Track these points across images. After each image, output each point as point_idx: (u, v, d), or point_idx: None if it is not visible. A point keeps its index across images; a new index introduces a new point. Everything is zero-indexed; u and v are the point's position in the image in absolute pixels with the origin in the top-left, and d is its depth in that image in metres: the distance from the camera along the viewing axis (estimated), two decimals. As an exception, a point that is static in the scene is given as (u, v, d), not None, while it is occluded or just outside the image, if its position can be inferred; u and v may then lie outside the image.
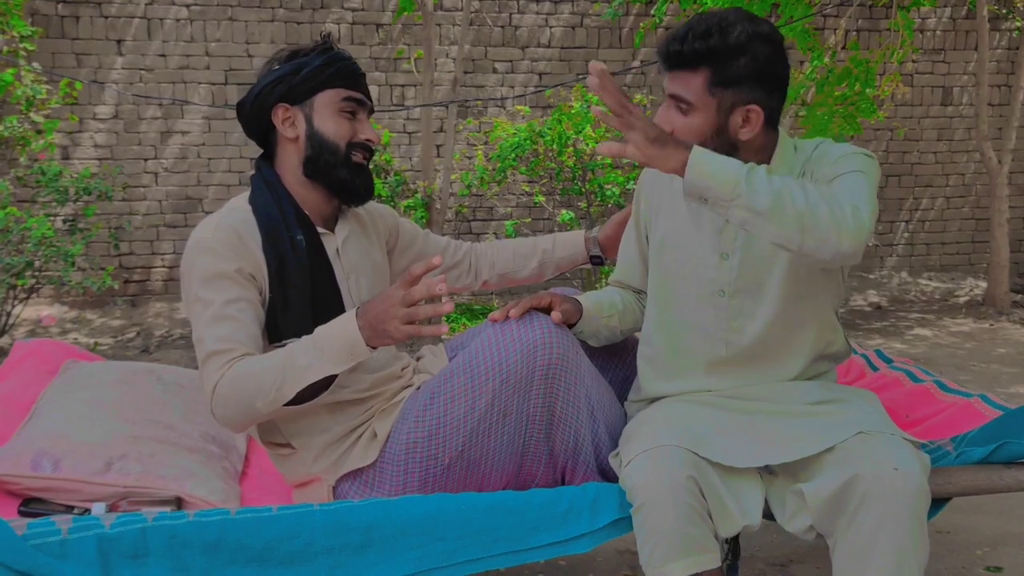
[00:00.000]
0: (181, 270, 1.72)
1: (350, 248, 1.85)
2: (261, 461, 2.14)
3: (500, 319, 1.71)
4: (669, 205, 1.79)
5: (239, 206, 1.76)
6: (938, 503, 1.73)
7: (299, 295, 1.71)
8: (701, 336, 1.76)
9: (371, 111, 1.85)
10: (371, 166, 1.84)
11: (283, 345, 1.66)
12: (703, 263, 1.73)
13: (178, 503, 1.73)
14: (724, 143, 1.60)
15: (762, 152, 1.67)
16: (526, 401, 1.67)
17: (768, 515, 1.63)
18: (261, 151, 1.87)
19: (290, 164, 1.78)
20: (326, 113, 1.76)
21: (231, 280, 1.66)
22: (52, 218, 5.18)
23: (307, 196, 1.79)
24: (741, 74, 1.56)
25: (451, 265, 2.15)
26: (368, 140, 1.80)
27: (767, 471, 1.67)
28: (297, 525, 1.54)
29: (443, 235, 5.09)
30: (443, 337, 2.52)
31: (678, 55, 1.58)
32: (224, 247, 1.67)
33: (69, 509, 1.68)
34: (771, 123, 1.64)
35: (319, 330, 1.60)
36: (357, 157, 1.79)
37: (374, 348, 1.58)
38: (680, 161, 1.43)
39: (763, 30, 1.57)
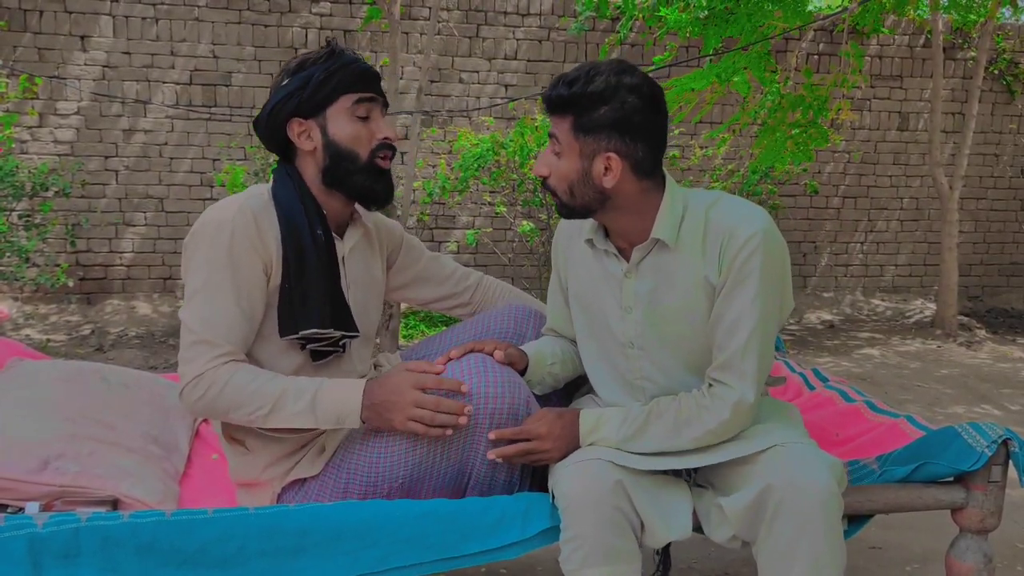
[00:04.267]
0: (190, 242, 1.70)
1: (354, 258, 1.86)
2: (203, 462, 2.15)
3: (442, 363, 1.73)
4: (580, 258, 1.83)
5: (260, 193, 1.76)
6: (861, 519, 1.80)
7: (318, 289, 1.72)
8: (620, 385, 1.81)
9: (386, 106, 1.83)
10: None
11: (299, 337, 1.72)
12: (611, 316, 1.77)
13: (114, 504, 1.73)
14: (591, 190, 1.64)
15: (641, 206, 1.68)
16: (470, 446, 1.69)
17: (699, 528, 1.68)
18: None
19: (309, 173, 1.78)
20: (340, 121, 1.75)
21: (244, 274, 1.67)
22: (7, 213, 5.12)
23: (325, 201, 1.79)
24: (600, 122, 1.60)
25: (449, 294, 2.16)
26: (386, 138, 1.79)
27: (696, 485, 1.73)
28: (231, 528, 1.55)
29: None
30: (400, 344, 2.55)
31: (548, 100, 1.64)
32: (244, 233, 1.67)
33: (3, 508, 1.67)
34: (641, 174, 1.65)
35: (324, 385, 1.65)
36: (381, 161, 1.79)
37: (364, 422, 1.65)
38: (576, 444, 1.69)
39: (630, 81, 1.60)
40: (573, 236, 1.85)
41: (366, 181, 1.78)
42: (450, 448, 1.69)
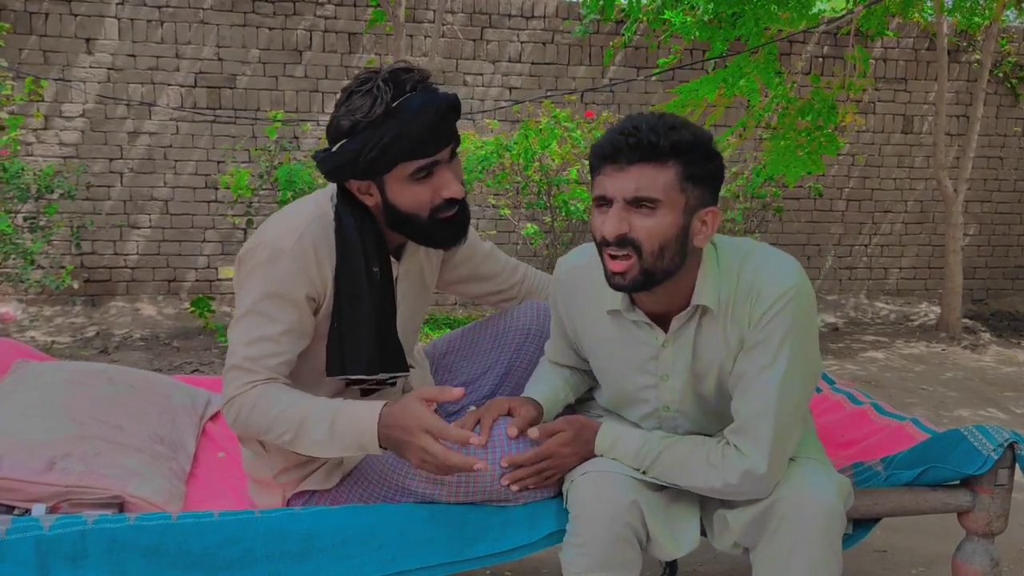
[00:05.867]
0: (246, 259, 1.66)
1: (408, 276, 1.83)
2: (210, 461, 2.15)
3: (471, 425, 1.63)
4: (593, 323, 1.69)
5: (324, 214, 1.68)
6: (867, 523, 1.80)
7: (369, 332, 1.67)
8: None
9: (456, 146, 1.67)
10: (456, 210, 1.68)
11: (345, 380, 1.68)
12: (642, 383, 1.68)
13: (121, 506, 1.73)
14: (681, 250, 1.48)
15: (692, 272, 1.55)
16: (493, 494, 1.67)
17: (704, 533, 1.69)
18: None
19: (374, 211, 1.71)
20: (398, 186, 1.63)
21: (294, 304, 1.63)
22: (12, 215, 5.13)
23: (389, 232, 1.73)
24: (708, 174, 1.47)
25: (498, 290, 2.08)
26: (450, 198, 1.65)
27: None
28: (238, 531, 1.55)
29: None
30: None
31: (652, 147, 1.42)
32: (299, 265, 1.62)
33: (9, 510, 1.68)
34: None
35: (341, 413, 1.56)
36: (444, 215, 1.67)
37: (384, 450, 1.57)
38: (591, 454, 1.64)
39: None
40: (577, 299, 1.70)
41: (435, 234, 1.70)
42: (473, 494, 1.67)
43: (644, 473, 1.61)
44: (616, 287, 1.51)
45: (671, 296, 1.56)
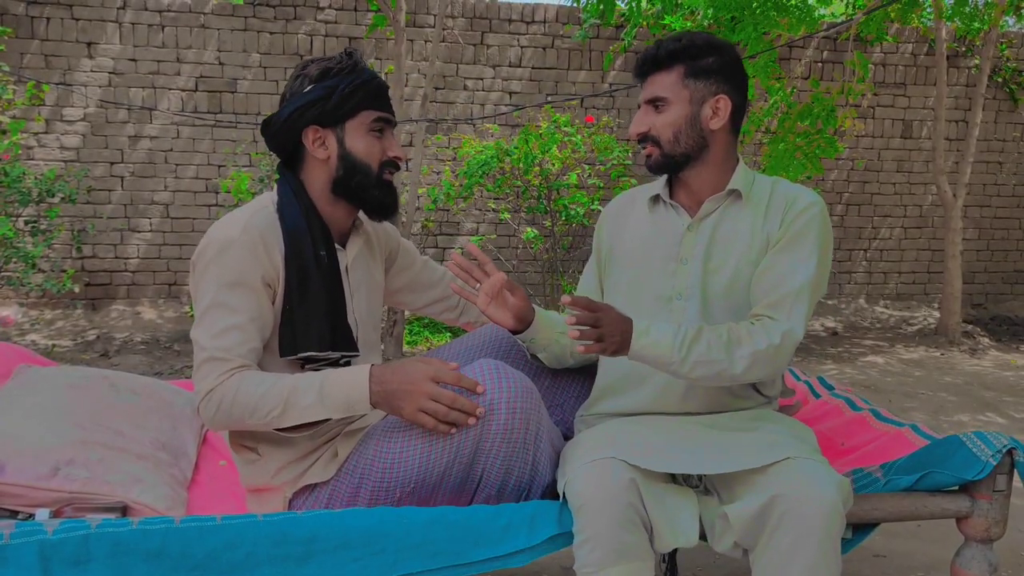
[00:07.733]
0: (198, 260, 1.71)
1: (357, 267, 1.89)
2: (211, 468, 2.15)
3: (473, 389, 1.65)
4: (635, 223, 1.92)
5: (265, 207, 1.77)
6: (866, 528, 1.80)
7: (318, 311, 1.74)
8: None
9: (395, 125, 1.88)
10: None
11: (300, 358, 1.73)
12: (661, 269, 1.84)
13: (123, 510, 1.73)
14: (697, 134, 1.78)
15: (724, 163, 1.81)
16: (482, 453, 1.69)
17: (703, 536, 1.69)
18: (281, 159, 1.88)
19: (317, 181, 1.80)
20: (357, 135, 1.79)
21: (252, 290, 1.69)
22: (13, 219, 5.14)
23: (330, 212, 1.82)
24: (711, 68, 1.77)
25: (439, 298, 2.19)
26: (396, 157, 1.84)
27: (703, 492, 1.73)
28: (240, 535, 1.55)
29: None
30: (405, 351, 2.53)
31: (654, 59, 1.78)
32: (250, 251, 1.68)
33: (13, 515, 1.68)
34: (734, 125, 1.81)
35: (329, 376, 1.66)
36: (387, 175, 1.83)
37: (374, 407, 1.66)
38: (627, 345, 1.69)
39: (724, 42, 1.79)
40: (624, 210, 1.97)
41: (377, 194, 1.82)
42: (462, 454, 1.69)
43: (687, 351, 1.65)
44: (649, 168, 1.84)
45: (708, 184, 1.83)
